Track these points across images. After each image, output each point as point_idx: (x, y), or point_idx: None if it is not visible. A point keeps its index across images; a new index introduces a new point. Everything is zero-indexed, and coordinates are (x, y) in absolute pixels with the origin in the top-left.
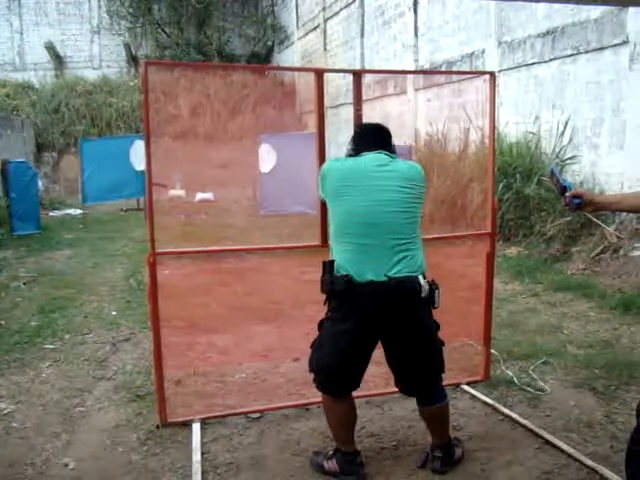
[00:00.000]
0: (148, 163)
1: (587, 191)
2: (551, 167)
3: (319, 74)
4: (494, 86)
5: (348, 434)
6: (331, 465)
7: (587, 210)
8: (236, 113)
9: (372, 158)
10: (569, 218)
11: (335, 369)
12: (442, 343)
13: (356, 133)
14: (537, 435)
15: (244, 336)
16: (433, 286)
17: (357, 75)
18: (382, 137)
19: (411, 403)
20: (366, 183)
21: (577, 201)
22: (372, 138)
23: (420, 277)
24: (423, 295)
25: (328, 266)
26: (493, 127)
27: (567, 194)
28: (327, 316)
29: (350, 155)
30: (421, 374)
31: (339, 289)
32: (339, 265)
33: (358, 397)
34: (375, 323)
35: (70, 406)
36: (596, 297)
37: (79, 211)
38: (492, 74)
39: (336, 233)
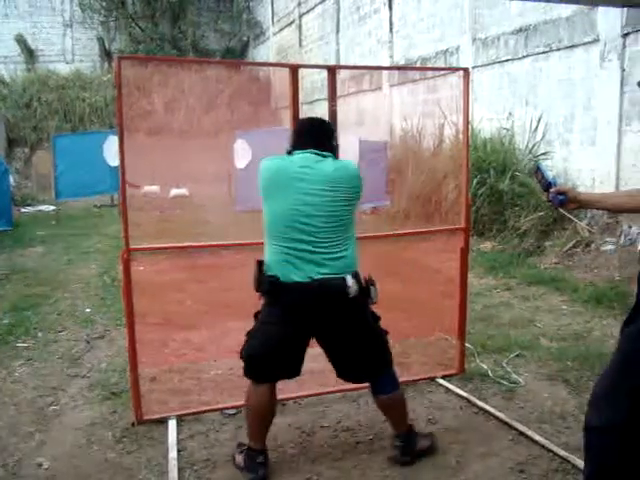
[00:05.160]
0: (122, 159)
1: (571, 188)
2: (538, 164)
3: (293, 69)
4: (468, 82)
5: (258, 428)
6: (239, 459)
7: (570, 207)
8: (211, 108)
9: (299, 159)
10: (542, 213)
11: (260, 358)
12: (385, 332)
13: (293, 131)
14: (511, 427)
15: (219, 332)
16: (369, 282)
17: (332, 71)
18: (317, 135)
19: None
20: (288, 185)
21: (561, 197)
22: (306, 136)
23: (348, 277)
24: (351, 295)
25: (258, 265)
26: (467, 123)
27: (551, 190)
28: (261, 308)
29: (288, 153)
30: (360, 367)
31: (265, 289)
32: (268, 265)
33: (334, 392)
34: (303, 322)
35: (44, 405)
36: (568, 291)
37: (52, 207)
38: (466, 70)
39: (266, 233)
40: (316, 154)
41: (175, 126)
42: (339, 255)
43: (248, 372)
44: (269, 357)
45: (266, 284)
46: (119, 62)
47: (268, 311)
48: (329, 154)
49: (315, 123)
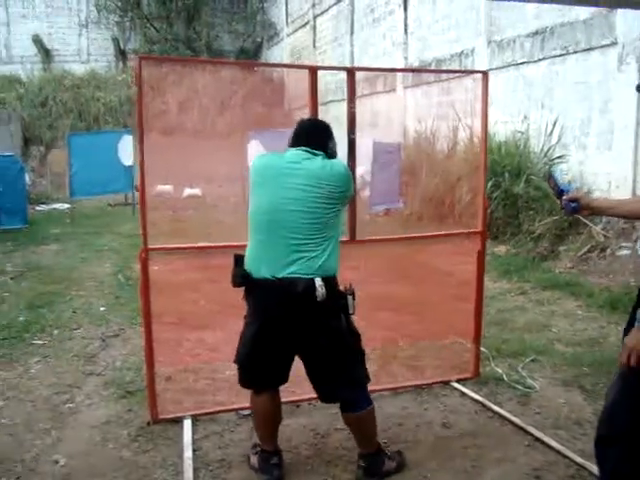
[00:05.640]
0: (141, 159)
1: (584, 195)
2: (551, 170)
3: (313, 71)
4: (487, 85)
5: (267, 431)
6: (254, 460)
7: (583, 214)
8: (224, 109)
9: (290, 155)
10: (557, 217)
11: (246, 363)
12: (361, 352)
13: (294, 129)
14: (527, 432)
15: (233, 333)
16: (348, 292)
17: (351, 73)
18: (313, 134)
19: (402, 400)
20: (275, 180)
21: (574, 205)
22: (301, 135)
23: (317, 279)
24: (319, 299)
25: (235, 260)
26: (485, 126)
27: (564, 197)
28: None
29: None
30: (327, 380)
31: (237, 283)
32: (245, 260)
33: None
34: (274, 321)
35: (59, 402)
36: (584, 296)
37: (66, 206)
38: (485, 73)
39: (249, 227)
40: (307, 151)
41: (189, 126)
42: (313, 256)
43: (240, 379)
44: (254, 364)
45: (238, 278)
46: (140, 62)
47: (247, 308)
48: (320, 153)
49: (313, 123)
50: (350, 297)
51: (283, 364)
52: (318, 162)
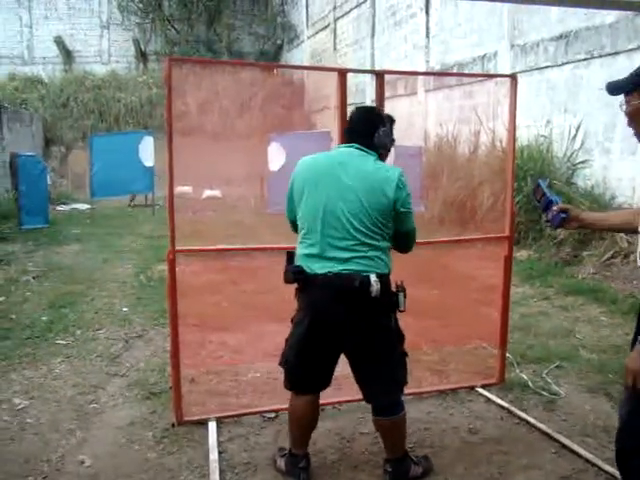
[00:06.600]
0: (170, 160)
1: (572, 207)
2: (539, 180)
3: (342, 74)
4: (515, 89)
5: (300, 435)
6: (281, 463)
7: (571, 226)
8: (244, 111)
9: (341, 153)
10: None
11: (294, 364)
12: (405, 354)
13: (348, 122)
14: (553, 439)
15: (255, 335)
16: (399, 289)
17: (379, 76)
18: (364, 130)
19: (427, 405)
20: (326, 180)
21: (563, 215)
22: (353, 131)
23: (372, 275)
24: (373, 294)
25: (288, 256)
26: (513, 130)
27: (554, 208)
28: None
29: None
30: (372, 379)
31: (290, 279)
32: (297, 257)
33: None
34: (326, 316)
35: (84, 402)
36: (607, 302)
37: (86, 206)
38: (514, 77)
39: (299, 227)
40: (358, 149)
41: (208, 127)
42: (367, 255)
43: (286, 380)
44: (301, 366)
45: (291, 274)
46: (169, 64)
47: (299, 309)
48: (373, 153)
49: (362, 117)
50: (401, 294)
51: (329, 364)
52: (370, 163)
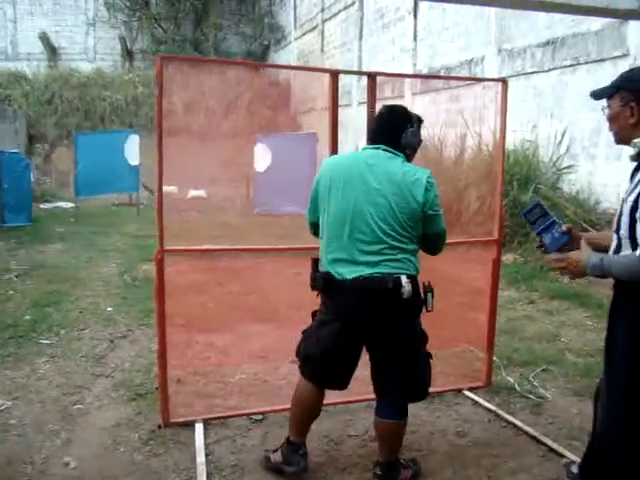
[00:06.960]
0: (159, 160)
1: (571, 226)
2: (538, 200)
3: (334, 75)
4: (506, 93)
5: (302, 422)
6: (276, 457)
7: (572, 247)
8: (230, 111)
9: (368, 155)
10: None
11: (318, 359)
12: (429, 355)
13: (374, 121)
14: (541, 442)
15: (241, 336)
16: (427, 289)
17: (372, 77)
18: (388, 129)
19: (415, 408)
20: (353, 183)
21: (567, 237)
22: (376, 130)
23: (403, 277)
24: (404, 296)
25: (313, 263)
26: (504, 134)
27: (561, 228)
28: (319, 308)
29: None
30: (393, 375)
31: (319, 286)
32: (322, 263)
33: (360, 401)
34: (358, 320)
35: (69, 403)
36: (593, 306)
37: (70, 204)
38: (504, 81)
39: (322, 230)
40: (386, 150)
41: (194, 127)
42: (396, 257)
43: (308, 375)
44: (323, 359)
45: (320, 281)
46: (161, 62)
47: (324, 310)
48: (400, 154)
49: (389, 118)
50: (429, 294)
51: (353, 364)
52: (399, 166)
